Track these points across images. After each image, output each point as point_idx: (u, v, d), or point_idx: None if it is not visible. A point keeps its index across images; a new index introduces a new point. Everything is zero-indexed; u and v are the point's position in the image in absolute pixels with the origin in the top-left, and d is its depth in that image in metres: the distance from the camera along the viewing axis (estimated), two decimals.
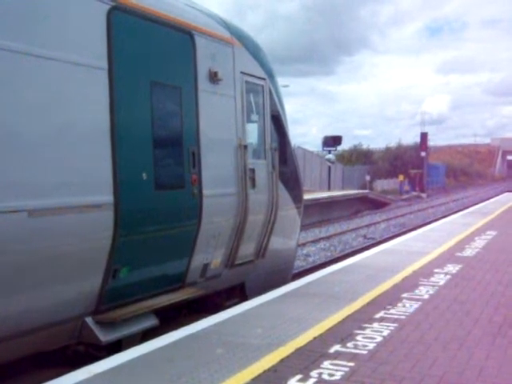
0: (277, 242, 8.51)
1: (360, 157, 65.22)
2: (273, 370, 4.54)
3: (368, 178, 49.16)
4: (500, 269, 8.94)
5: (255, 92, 8.04)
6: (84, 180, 5.17)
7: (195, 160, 6.56)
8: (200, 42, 6.75)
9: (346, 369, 4.53)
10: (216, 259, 7.19)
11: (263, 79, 8.19)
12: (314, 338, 5.33)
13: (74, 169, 5.07)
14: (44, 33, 4.88)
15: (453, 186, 70.51)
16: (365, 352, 4.94)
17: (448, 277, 8.23)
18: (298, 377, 4.37)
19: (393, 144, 74.18)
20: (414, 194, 53.17)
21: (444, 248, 11.08)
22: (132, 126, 5.73)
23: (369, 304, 6.63)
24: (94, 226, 5.26)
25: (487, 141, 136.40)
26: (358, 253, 12.23)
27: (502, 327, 5.72)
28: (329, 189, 39.33)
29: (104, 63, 5.38)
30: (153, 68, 6.09)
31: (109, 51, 5.43)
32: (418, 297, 6.98)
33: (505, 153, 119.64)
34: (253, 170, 7.66)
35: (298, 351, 4.98)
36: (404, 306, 6.52)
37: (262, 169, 7.98)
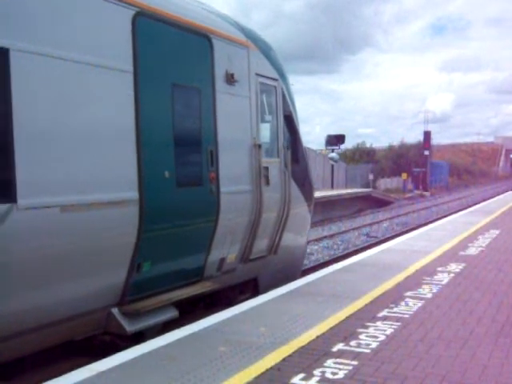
0: (288, 239, 8.76)
1: (363, 155, 65.20)
2: (276, 368, 4.54)
3: (371, 176, 49.12)
4: (503, 268, 8.92)
5: (268, 92, 8.29)
6: (111, 177, 5.44)
7: (213, 158, 6.83)
8: (217, 45, 7.03)
9: (350, 367, 4.53)
10: (232, 254, 7.46)
11: (276, 80, 8.44)
12: (317, 337, 5.34)
13: (102, 167, 5.36)
14: (76, 38, 5.14)
15: (456, 185, 70.35)
16: (368, 351, 4.94)
17: (451, 276, 8.22)
18: (301, 375, 4.37)
19: (396, 143, 74.28)
20: (417, 192, 53.12)
21: (447, 247, 11.06)
22: (155, 127, 6.00)
23: (372, 303, 6.63)
24: (121, 221, 5.55)
25: (491, 139, 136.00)
26: (361, 251, 12.24)
27: (504, 326, 5.71)
28: (332, 187, 39.30)
29: (129, 66, 5.65)
30: (174, 70, 6.38)
31: (134, 55, 5.69)
32: (421, 296, 6.98)
33: (508, 151, 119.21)
34: (266, 169, 7.91)
35: (301, 350, 4.98)
36: (407, 305, 6.52)
37: (275, 167, 8.24)
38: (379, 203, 36.82)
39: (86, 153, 5.19)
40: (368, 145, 71.68)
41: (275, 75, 8.44)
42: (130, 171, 5.62)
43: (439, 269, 8.73)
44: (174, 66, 6.38)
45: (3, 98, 4.53)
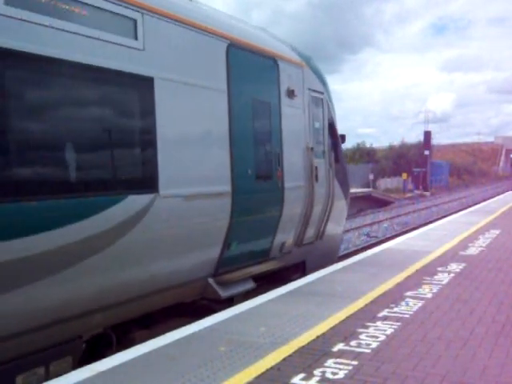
0: (331, 228, 10.32)
1: (363, 155, 65.19)
2: (276, 368, 4.55)
3: (371, 176, 49.11)
4: (503, 268, 8.92)
5: (317, 104, 9.86)
6: (215, 174, 6.94)
7: (279, 159, 8.37)
8: (281, 66, 8.58)
9: (350, 367, 4.54)
10: (289, 239, 8.90)
11: (322, 93, 10.05)
12: (318, 337, 5.34)
13: (210, 166, 6.83)
14: (193, 67, 6.61)
15: (456, 185, 70.30)
16: (368, 351, 4.94)
17: (451, 275, 8.22)
18: (302, 375, 4.38)
19: (396, 142, 74.23)
20: (418, 192, 53.12)
21: (447, 247, 11.07)
22: (241, 134, 7.49)
23: (372, 303, 6.63)
24: (220, 208, 7.02)
25: (491, 139, 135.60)
26: (361, 251, 12.24)
27: (505, 326, 5.71)
28: None
29: (225, 87, 7.14)
30: (253, 88, 7.88)
31: (227, 77, 7.19)
32: (421, 295, 6.98)
33: (508, 151, 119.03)
34: (316, 168, 9.44)
35: (302, 350, 4.99)
36: (407, 305, 6.52)
37: (322, 166, 9.81)
38: (379, 203, 36.80)
39: (201, 155, 6.66)
40: (368, 145, 71.75)
41: (322, 89, 10.05)
42: (226, 169, 7.11)
43: (439, 269, 8.73)
44: (253, 84, 7.92)
45: (150, 114, 5.91)
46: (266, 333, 5.49)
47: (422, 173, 57.79)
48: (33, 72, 4.80)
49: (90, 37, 5.24)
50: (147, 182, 5.88)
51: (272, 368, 4.55)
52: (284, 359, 4.75)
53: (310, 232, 9.52)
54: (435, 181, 62.86)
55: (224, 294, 7.21)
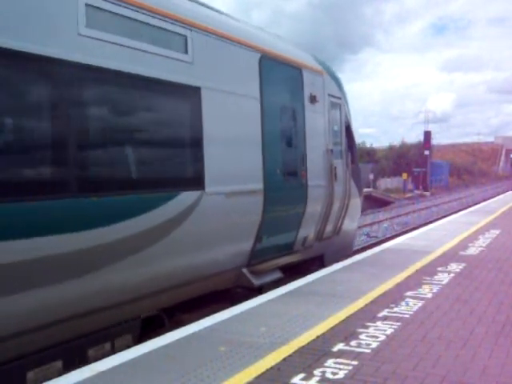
0: (347, 224, 11.05)
1: (363, 155, 65.14)
2: (276, 368, 4.54)
3: (371, 176, 49.07)
4: (503, 268, 8.92)
5: (335, 108, 10.66)
6: (250, 173, 7.68)
7: (304, 160, 9.12)
8: (305, 74, 9.33)
9: (350, 367, 4.53)
10: (311, 234, 9.60)
11: (339, 98, 10.85)
12: (318, 337, 5.34)
13: (246, 166, 7.58)
14: (232, 77, 7.36)
15: (456, 185, 70.25)
16: (368, 351, 4.94)
17: (451, 275, 8.22)
18: (302, 375, 4.38)
19: (396, 142, 74.20)
20: (418, 192, 53.10)
21: (447, 247, 11.07)
22: (272, 136, 8.20)
23: (372, 303, 6.63)
24: (255, 204, 7.74)
25: (491, 139, 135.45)
26: (361, 251, 12.23)
27: (505, 326, 5.71)
28: None
29: (258, 94, 7.90)
30: (281, 95, 8.64)
31: (260, 86, 7.95)
32: (421, 295, 6.98)
33: (508, 151, 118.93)
34: (335, 168, 10.17)
35: (302, 350, 4.98)
36: (407, 305, 6.52)
37: (340, 167, 10.57)
38: (379, 203, 36.80)
39: (238, 156, 7.39)
40: (368, 145, 71.71)
41: (339, 94, 10.83)
42: (259, 169, 7.83)
43: (439, 269, 8.73)
44: (281, 91, 8.64)
45: (198, 120, 6.63)
46: (265, 333, 5.49)
47: (422, 173, 57.78)
48: (108, 83, 5.56)
49: (151, 53, 5.99)
50: (195, 180, 6.61)
51: (272, 368, 4.55)
52: (284, 359, 4.75)
53: (329, 227, 10.23)
54: (435, 181, 62.84)
55: (257, 282, 7.93)
